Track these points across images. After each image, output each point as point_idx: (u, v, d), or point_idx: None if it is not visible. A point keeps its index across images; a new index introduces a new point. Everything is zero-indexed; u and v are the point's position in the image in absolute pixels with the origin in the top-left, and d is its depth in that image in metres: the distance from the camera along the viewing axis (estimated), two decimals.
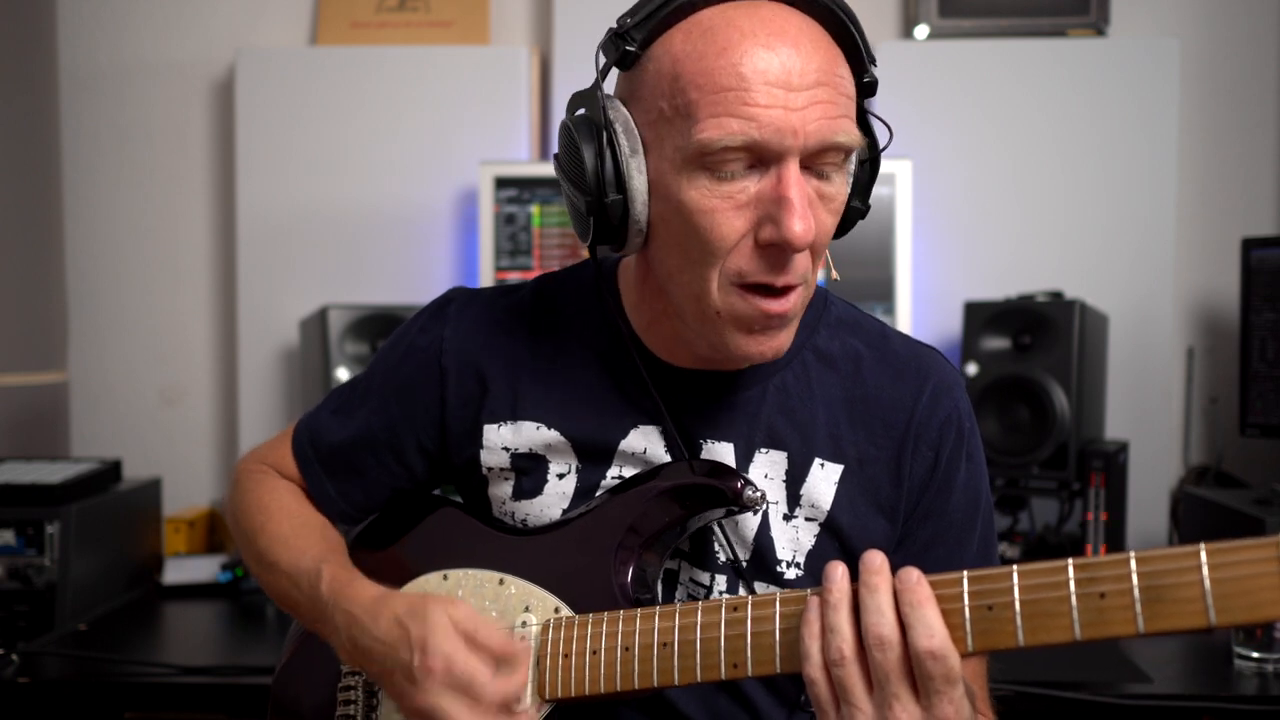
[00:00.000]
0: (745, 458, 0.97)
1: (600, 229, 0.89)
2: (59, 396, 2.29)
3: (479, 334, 1.03)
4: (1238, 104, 2.27)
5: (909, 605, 0.74)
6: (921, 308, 2.15)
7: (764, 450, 0.97)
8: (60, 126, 2.30)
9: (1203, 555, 0.67)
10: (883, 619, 0.74)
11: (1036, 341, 1.94)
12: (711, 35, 0.82)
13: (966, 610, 0.74)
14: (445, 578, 0.99)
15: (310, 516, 1.07)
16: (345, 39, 2.30)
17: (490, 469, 1.01)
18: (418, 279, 2.24)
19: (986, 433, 1.95)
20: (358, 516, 1.10)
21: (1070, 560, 0.72)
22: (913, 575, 0.74)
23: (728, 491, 0.90)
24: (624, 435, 0.98)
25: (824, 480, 0.96)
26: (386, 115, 2.24)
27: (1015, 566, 0.73)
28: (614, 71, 0.89)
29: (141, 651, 1.58)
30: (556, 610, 0.93)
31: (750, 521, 0.96)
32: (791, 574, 0.96)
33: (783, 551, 0.96)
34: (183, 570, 1.91)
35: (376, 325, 2.04)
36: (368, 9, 2.31)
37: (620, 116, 0.87)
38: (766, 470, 0.96)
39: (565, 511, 0.98)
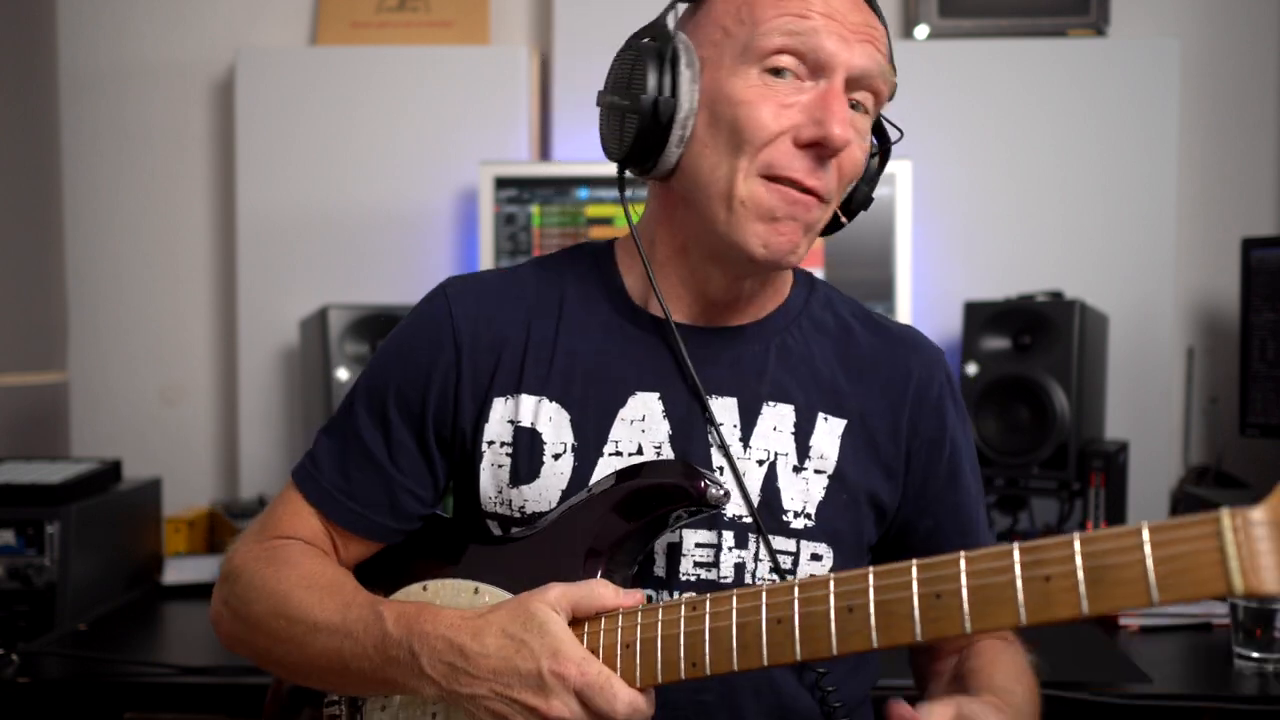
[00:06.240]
0: (752, 411, 0.99)
1: (643, 137, 0.93)
2: (59, 396, 2.29)
3: (487, 308, 1.03)
4: (1238, 104, 2.27)
5: None
6: (921, 308, 2.15)
7: (771, 404, 0.99)
8: (60, 126, 2.30)
9: (1145, 534, 0.67)
10: None
11: (1036, 341, 1.94)
12: None
13: (915, 599, 0.75)
14: (425, 588, 0.97)
15: (336, 572, 0.98)
16: (345, 39, 2.30)
17: (491, 442, 0.99)
18: (418, 279, 2.24)
19: (986, 433, 1.95)
20: (396, 530, 1.03)
21: (1016, 544, 0.72)
22: None
23: (691, 491, 0.90)
24: (622, 404, 0.98)
25: (829, 434, 1.00)
26: (386, 115, 2.24)
27: (962, 553, 0.74)
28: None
29: (141, 651, 1.58)
30: None
31: (754, 475, 0.97)
32: (799, 524, 0.98)
33: (790, 503, 0.98)
34: (183, 570, 1.91)
35: (376, 325, 2.04)
36: (368, 9, 2.31)
37: (682, 39, 0.94)
38: (775, 423, 0.99)
39: (563, 493, 0.97)
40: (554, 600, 0.85)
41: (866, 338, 1.05)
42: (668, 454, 0.97)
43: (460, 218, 2.24)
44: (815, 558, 0.98)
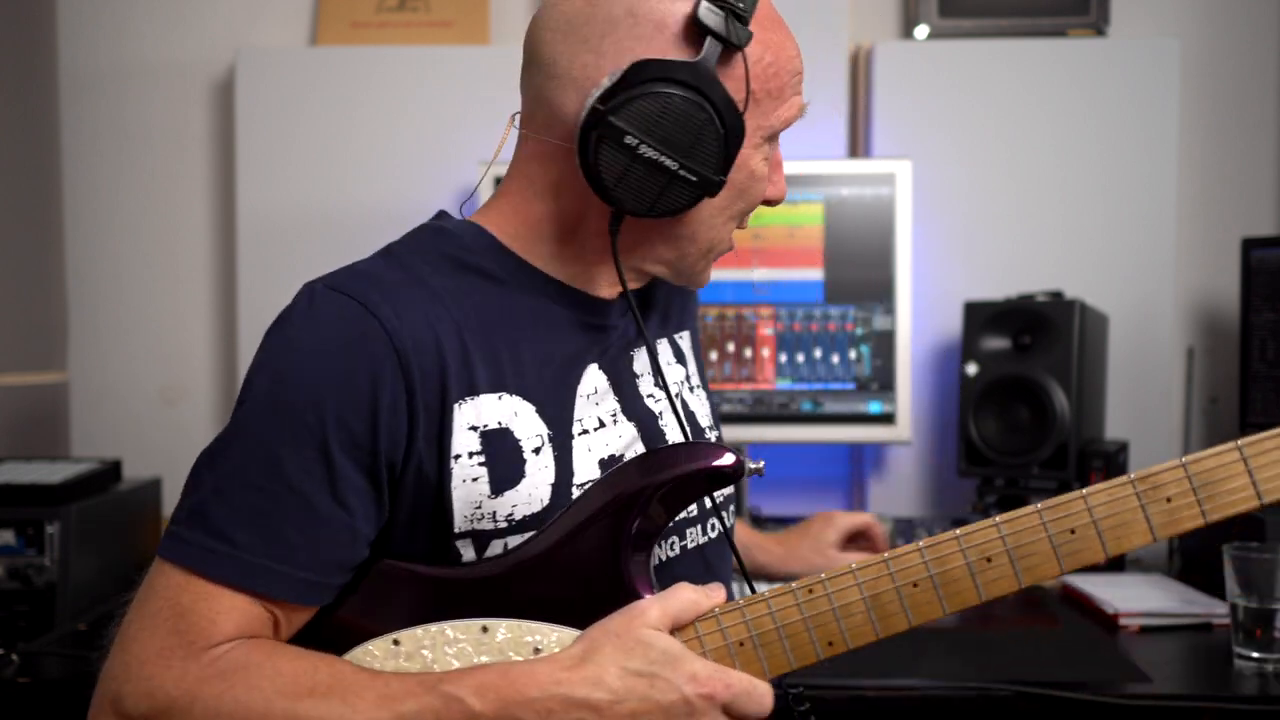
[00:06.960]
0: (654, 356, 1.02)
1: (678, 200, 0.91)
2: (59, 396, 2.29)
3: (406, 305, 0.90)
4: (1238, 104, 2.27)
5: None
6: (921, 308, 2.15)
7: (660, 343, 1.09)
8: (60, 126, 2.30)
9: (1242, 451, 0.85)
10: None
11: (1036, 341, 1.93)
12: (776, 25, 0.95)
13: (1051, 539, 0.87)
14: (397, 643, 0.86)
15: (324, 664, 0.83)
16: (345, 39, 2.30)
17: (458, 456, 0.89)
18: None
19: (986, 433, 1.95)
20: (345, 585, 0.90)
21: (1129, 477, 0.87)
22: None
23: (738, 470, 0.90)
24: (579, 381, 0.98)
25: (688, 349, 1.15)
26: (386, 115, 2.24)
27: (1083, 490, 0.87)
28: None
29: None
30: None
31: (667, 416, 1.05)
32: (714, 436, 1.12)
33: (704, 420, 1.11)
34: None
35: None
36: (368, 9, 2.31)
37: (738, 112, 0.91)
38: (667, 359, 1.10)
39: (553, 487, 0.92)
40: (658, 621, 0.83)
41: None
42: (623, 422, 0.99)
43: (460, 218, 2.24)
44: None
